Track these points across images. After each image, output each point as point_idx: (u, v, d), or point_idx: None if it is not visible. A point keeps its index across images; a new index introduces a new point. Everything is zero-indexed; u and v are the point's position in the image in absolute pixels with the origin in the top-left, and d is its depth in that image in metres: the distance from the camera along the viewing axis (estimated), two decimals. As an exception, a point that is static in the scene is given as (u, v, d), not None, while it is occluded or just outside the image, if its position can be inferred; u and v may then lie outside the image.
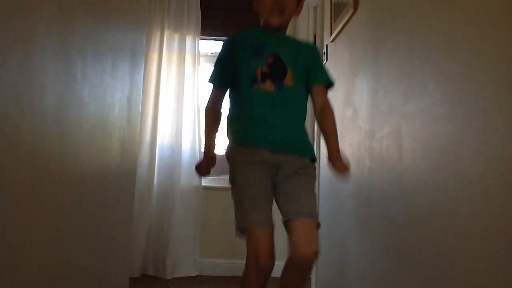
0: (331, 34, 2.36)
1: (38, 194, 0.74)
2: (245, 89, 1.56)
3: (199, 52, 3.34)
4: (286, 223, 1.47)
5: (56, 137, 0.82)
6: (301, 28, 3.46)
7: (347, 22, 2.06)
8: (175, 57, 3.34)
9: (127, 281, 1.84)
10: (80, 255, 1.04)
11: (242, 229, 1.48)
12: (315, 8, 3.29)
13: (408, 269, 1.26)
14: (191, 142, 3.26)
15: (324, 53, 2.53)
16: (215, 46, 3.64)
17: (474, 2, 0.99)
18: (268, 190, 1.52)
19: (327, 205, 2.33)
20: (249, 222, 1.46)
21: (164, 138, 3.25)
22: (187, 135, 3.25)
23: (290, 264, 1.47)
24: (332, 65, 2.37)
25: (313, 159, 1.60)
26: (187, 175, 3.21)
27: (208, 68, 3.54)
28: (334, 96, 2.27)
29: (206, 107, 1.66)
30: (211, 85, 1.67)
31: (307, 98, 1.64)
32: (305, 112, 1.64)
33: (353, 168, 1.86)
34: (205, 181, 3.19)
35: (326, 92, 1.64)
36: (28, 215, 0.70)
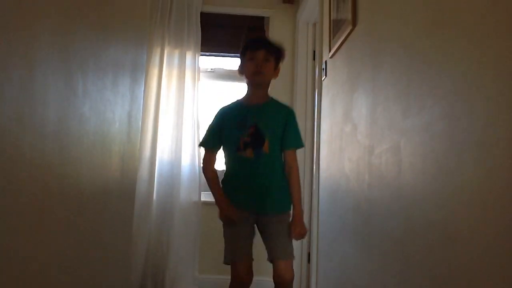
0: (330, 50, 2.38)
1: (38, 208, 0.74)
2: (232, 155, 1.99)
3: (199, 68, 3.36)
4: (271, 260, 1.94)
5: (57, 152, 0.83)
6: (300, 44, 3.49)
7: (346, 39, 2.07)
8: (175, 72, 3.36)
9: (126, 297, 1.83)
10: (79, 269, 1.04)
11: (228, 262, 1.96)
12: (314, 24, 3.33)
13: (407, 284, 1.25)
14: (191, 157, 3.26)
15: (323, 69, 2.55)
16: (215, 62, 3.66)
17: (473, 20, 1.00)
18: (249, 235, 1.99)
19: (327, 220, 2.33)
20: (232, 259, 1.95)
21: (163, 153, 3.26)
22: (187, 151, 3.26)
23: None
24: (331, 81, 2.38)
25: (289, 210, 2.02)
26: (186, 190, 3.21)
27: (207, 84, 3.56)
28: (334, 112, 2.28)
29: (203, 168, 2.08)
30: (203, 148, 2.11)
31: (282, 159, 2.03)
32: (282, 170, 2.02)
33: (352, 183, 1.86)
34: (204, 197, 3.19)
35: (294, 154, 2.04)
36: (28, 230, 0.70)
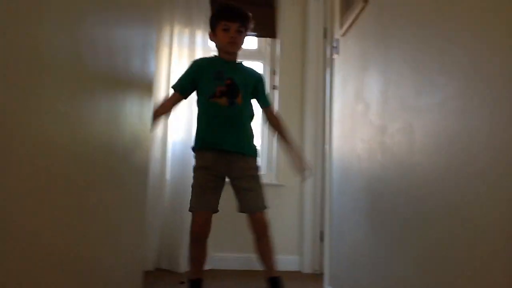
0: (341, 28, 2.35)
1: (45, 189, 0.75)
2: (206, 102, 2.15)
3: (209, 47, 3.34)
4: (243, 211, 2.15)
5: (68, 134, 0.83)
6: (311, 22, 3.45)
7: (357, 16, 2.04)
8: (185, 52, 3.34)
9: (141, 274, 1.86)
10: (93, 249, 1.05)
11: (191, 209, 2.11)
12: (325, 1, 3.27)
13: (418, 265, 1.26)
14: (202, 137, 3.26)
15: (334, 47, 2.52)
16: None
17: (487, -4, 0.98)
18: (217, 186, 2.15)
19: (339, 200, 2.33)
20: (195, 207, 2.10)
21: (176, 133, 3.26)
22: (198, 130, 3.26)
23: (256, 242, 2.16)
24: (343, 60, 2.36)
25: (256, 156, 2.25)
26: (198, 170, 3.22)
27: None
28: (345, 91, 2.26)
29: (162, 101, 2.23)
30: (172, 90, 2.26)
31: (253, 112, 2.28)
32: (250, 122, 2.26)
33: (364, 163, 1.86)
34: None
35: (272, 110, 2.37)
36: (39, 210, 0.71)
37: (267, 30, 3.61)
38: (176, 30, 3.34)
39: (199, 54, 3.31)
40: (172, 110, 2.24)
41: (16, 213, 0.61)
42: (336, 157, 2.41)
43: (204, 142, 2.16)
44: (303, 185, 3.40)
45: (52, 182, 0.75)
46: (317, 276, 3.20)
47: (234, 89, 2.15)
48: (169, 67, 3.29)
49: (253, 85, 2.25)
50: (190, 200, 2.14)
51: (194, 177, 2.17)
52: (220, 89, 2.13)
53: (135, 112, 1.54)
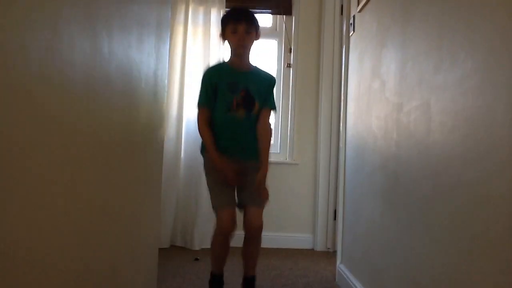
0: (358, 4, 2.31)
1: (66, 169, 0.76)
2: (222, 114, 2.11)
3: (224, 25, 3.32)
4: (241, 207, 2.12)
5: (85, 112, 0.84)
6: (328, -2, 3.39)
7: (375, -9, 2.00)
8: (200, 30, 3.32)
9: (157, 252, 1.89)
10: (111, 227, 1.07)
11: (214, 207, 2.07)
12: (342, -23, 3.21)
13: (434, 244, 1.25)
14: (217, 116, 3.27)
15: (351, 24, 2.48)
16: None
17: (510, -32, 0.94)
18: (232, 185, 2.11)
19: (353, 179, 2.33)
20: (218, 203, 2.07)
21: (190, 111, 3.27)
22: (213, 109, 3.26)
23: (246, 242, 2.15)
24: (359, 36, 2.32)
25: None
26: (213, 148, 3.24)
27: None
28: (361, 68, 2.23)
29: (201, 127, 2.12)
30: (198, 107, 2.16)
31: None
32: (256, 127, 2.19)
33: (380, 141, 1.84)
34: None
35: (269, 114, 2.23)
36: (60, 188, 0.72)
37: (282, 6, 3.56)
38: (191, 8, 3.32)
39: (214, 32, 3.29)
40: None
41: (43, 195, 0.62)
42: (350, 135, 2.40)
43: (219, 150, 2.11)
44: (317, 164, 3.40)
45: (70, 165, 0.76)
46: (330, 254, 3.22)
47: (249, 100, 2.13)
48: (184, 45, 3.28)
49: (265, 90, 2.20)
50: (212, 199, 2.11)
51: (210, 176, 2.15)
52: (236, 101, 2.10)
53: (150, 90, 1.55)
